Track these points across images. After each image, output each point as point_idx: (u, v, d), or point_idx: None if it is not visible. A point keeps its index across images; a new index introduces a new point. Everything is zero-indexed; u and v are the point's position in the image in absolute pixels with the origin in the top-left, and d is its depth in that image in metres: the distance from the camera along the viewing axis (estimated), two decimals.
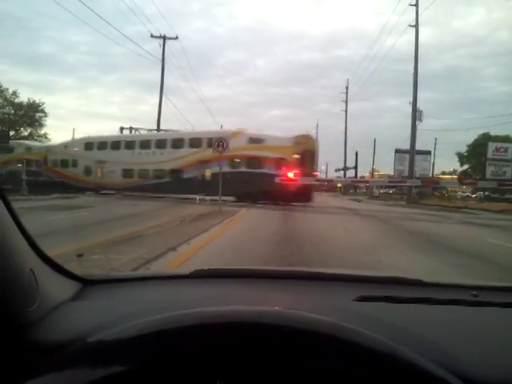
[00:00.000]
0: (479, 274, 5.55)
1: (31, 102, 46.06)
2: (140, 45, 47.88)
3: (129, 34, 49.88)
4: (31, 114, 46.20)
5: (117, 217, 12.17)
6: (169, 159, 24.70)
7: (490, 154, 40.36)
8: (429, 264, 6.22)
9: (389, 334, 0.74)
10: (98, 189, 25.69)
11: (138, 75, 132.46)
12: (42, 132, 47.70)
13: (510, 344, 0.93)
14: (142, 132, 31.66)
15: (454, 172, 60.18)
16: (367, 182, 45.02)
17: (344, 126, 56.08)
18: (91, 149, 27.92)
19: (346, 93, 55.46)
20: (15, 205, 0.89)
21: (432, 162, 48.79)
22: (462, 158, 58.97)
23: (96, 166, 26.99)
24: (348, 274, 1.54)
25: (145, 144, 26.50)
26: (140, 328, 0.68)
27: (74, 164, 28.19)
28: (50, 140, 43.52)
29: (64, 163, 28.63)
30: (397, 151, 44.15)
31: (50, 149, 31.01)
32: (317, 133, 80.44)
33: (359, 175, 59.32)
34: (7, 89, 44.95)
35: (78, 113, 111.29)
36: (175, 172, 24.40)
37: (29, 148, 32.26)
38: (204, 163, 23.05)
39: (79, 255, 5.20)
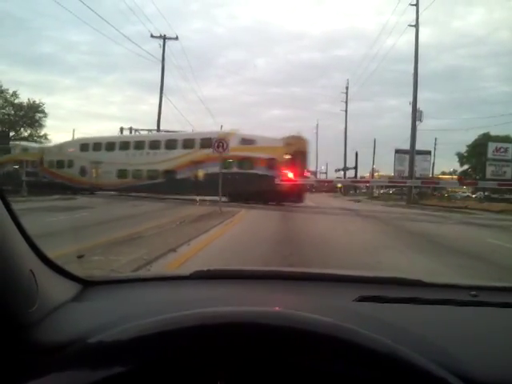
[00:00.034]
0: (479, 275, 5.55)
1: (31, 102, 46.06)
2: (140, 45, 48.00)
3: (129, 34, 49.97)
4: (31, 115, 46.15)
5: (117, 218, 12.17)
6: (162, 160, 24.98)
7: (490, 154, 40.34)
8: (429, 264, 6.21)
9: (389, 334, 0.74)
10: (93, 189, 25.91)
11: (138, 75, 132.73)
12: (42, 133, 47.70)
13: (510, 344, 0.93)
14: (142, 132, 31.79)
15: (454, 172, 60.15)
16: (367, 182, 45.07)
17: (344, 126, 56.17)
18: (86, 150, 28.14)
19: (346, 93, 55.54)
20: (15, 206, 0.89)
21: (432, 162, 48.84)
22: (461, 158, 58.96)
23: (91, 166, 27.22)
24: (348, 275, 1.54)
25: (138, 145, 26.76)
26: (140, 329, 0.68)
27: (70, 165, 28.41)
28: (50, 141, 43.59)
29: (60, 164, 28.86)
30: (397, 151, 44.14)
31: (46, 150, 31.28)
32: (317, 133, 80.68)
33: (359, 175, 59.35)
34: (7, 89, 45.00)
35: (78, 113, 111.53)
36: (169, 172, 24.66)
37: (25, 149, 32.47)
38: (197, 164, 23.44)
39: (79, 256, 5.19)
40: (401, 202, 32.21)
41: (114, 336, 0.68)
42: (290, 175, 21.81)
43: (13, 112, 45.67)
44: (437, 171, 58.17)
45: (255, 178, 21.30)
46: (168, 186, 23.73)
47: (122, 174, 26.23)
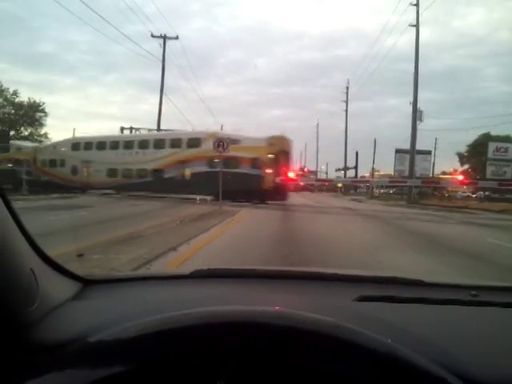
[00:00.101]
0: (480, 275, 5.55)
1: (31, 101, 46.09)
2: (140, 44, 48.08)
3: (129, 34, 50.07)
4: (31, 114, 46.16)
5: (117, 217, 12.17)
6: (151, 159, 25.47)
7: (490, 154, 40.34)
8: (429, 264, 6.21)
9: (389, 334, 0.74)
10: (84, 188, 26.24)
11: (139, 75, 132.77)
12: (43, 132, 47.72)
13: (510, 344, 0.93)
14: (143, 132, 31.88)
15: (455, 172, 60.08)
16: (367, 181, 45.03)
17: (344, 125, 56.15)
18: (78, 149, 28.69)
19: (347, 92, 55.51)
20: (15, 204, 0.89)
21: (432, 161, 48.84)
22: (462, 158, 58.95)
23: (82, 165, 27.73)
24: (348, 274, 1.54)
25: (128, 144, 27.26)
26: (140, 328, 0.68)
27: (62, 164, 28.94)
28: (50, 140, 43.60)
29: (52, 163, 29.37)
30: (397, 151, 44.13)
31: (39, 149, 31.96)
32: (317, 132, 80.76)
33: (359, 175, 59.33)
34: (8, 88, 44.99)
35: (78, 112, 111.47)
36: (157, 171, 25.13)
37: (19, 148, 33.07)
38: (184, 163, 24.01)
39: (79, 255, 5.20)
40: (401, 201, 32.20)
41: (114, 335, 0.68)
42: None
43: (13, 111, 45.69)
44: (437, 171, 58.19)
45: (240, 177, 21.61)
46: (156, 184, 24.28)
47: (112, 172, 26.78)
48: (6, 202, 0.85)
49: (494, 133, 49.01)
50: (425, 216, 17.56)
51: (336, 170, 66.18)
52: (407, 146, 33.13)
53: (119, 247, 6.38)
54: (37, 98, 47.91)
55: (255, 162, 22.22)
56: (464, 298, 1.20)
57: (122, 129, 33.80)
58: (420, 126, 30.53)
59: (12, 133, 44.96)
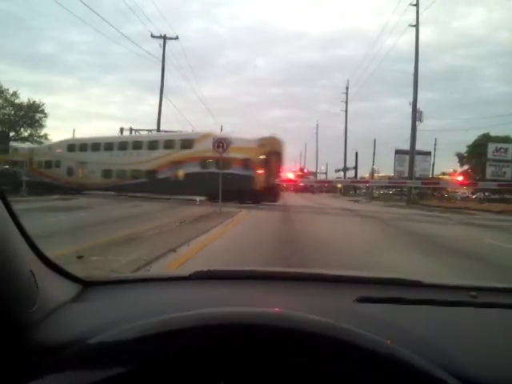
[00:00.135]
0: (479, 276, 5.55)
1: (31, 102, 46.00)
2: (140, 45, 47.85)
3: (129, 34, 50.08)
4: (31, 115, 46.06)
5: (116, 218, 12.17)
6: (145, 160, 25.71)
7: (490, 155, 40.36)
8: (429, 265, 6.21)
9: (388, 335, 0.75)
10: (79, 189, 26.39)
11: (139, 75, 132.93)
12: (43, 133, 47.64)
13: (510, 345, 0.93)
14: (142, 133, 31.96)
15: (455, 172, 60.12)
16: (367, 182, 45.06)
17: (344, 126, 56.19)
18: (73, 150, 28.94)
19: (346, 93, 55.59)
20: (15, 206, 0.89)
21: (432, 162, 48.88)
22: (461, 159, 58.97)
23: (77, 166, 27.98)
24: (348, 275, 1.54)
25: (122, 146, 27.51)
26: (140, 329, 0.68)
27: (57, 165, 29.17)
28: (50, 141, 43.62)
29: (48, 164, 29.61)
30: (397, 152, 44.16)
31: (35, 150, 32.30)
32: (317, 133, 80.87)
33: (359, 176, 59.35)
34: (7, 89, 44.94)
35: (78, 113, 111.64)
36: (150, 172, 25.35)
37: (15, 149, 33.62)
38: (177, 164, 24.30)
39: (79, 257, 5.20)
40: (401, 202, 32.23)
41: (113, 336, 0.68)
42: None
43: (13, 112, 45.59)
44: (437, 171, 58.23)
45: (231, 178, 21.47)
46: (150, 185, 24.55)
47: (106, 174, 27.01)
48: (6, 204, 0.85)
49: (493, 133, 49.07)
50: (424, 217, 17.57)
51: (336, 171, 66.26)
52: (407, 147, 33.16)
53: (119, 249, 6.37)
54: (37, 98, 47.96)
55: (246, 163, 22.37)
56: (463, 299, 1.20)
57: (122, 129, 33.86)
58: (420, 126, 30.61)
59: (12, 134, 44.90)
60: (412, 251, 7.65)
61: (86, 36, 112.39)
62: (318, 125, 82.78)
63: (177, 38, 32.92)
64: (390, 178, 44.27)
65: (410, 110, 29.63)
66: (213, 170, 22.67)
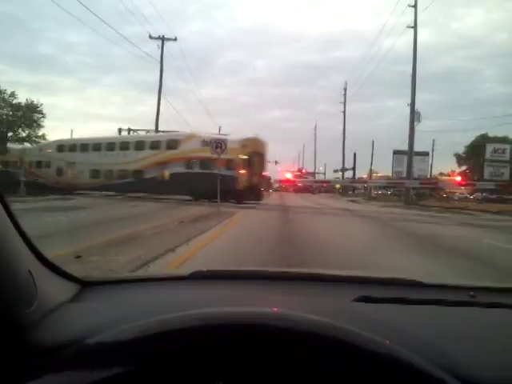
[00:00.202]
0: (478, 276, 5.56)
1: (29, 103, 45.89)
2: (139, 46, 48.01)
3: (128, 35, 49.91)
4: (29, 115, 45.92)
5: (115, 218, 12.15)
6: (131, 160, 26.15)
7: (488, 155, 40.49)
8: (427, 265, 6.22)
9: (388, 334, 0.75)
10: (69, 189, 26.55)
11: (137, 76, 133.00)
12: (41, 133, 47.52)
13: (508, 345, 0.93)
14: (140, 133, 32.00)
15: (453, 173, 60.25)
16: (365, 182, 45.13)
17: (342, 126, 56.24)
18: (62, 151, 29.47)
19: (345, 94, 55.68)
20: (13, 206, 0.89)
21: (430, 163, 48.98)
22: (460, 159, 59.13)
23: (66, 167, 28.48)
24: (347, 275, 1.54)
25: (110, 146, 27.93)
26: (139, 329, 0.68)
27: (47, 165, 29.71)
28: (48, 141, 43.59)
29: (38, 164, 30.10)
30: (395, 152, 44.31)
31: (26, 151, 32.97)
32: (315, 134, 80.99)
33: (357, 176, 59.43)
34: (5, 90, 44.82)
35: (76, 114, 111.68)
36: (137, 172, 25.77)
37: (8, 150, 34.30)
38: (163, 164, 24.77)
39: (77, 257, 5.18)
40: (399, 202, 32.27)
41: (112, 336, 0.68)
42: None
43: (11, 112, 45.46)
44: (435, 172, 58.38)
45: (215, 178, 21.93)
46: (137, 185, 24.97)
47: (94, 174, 27.47)
48: (4, 204, 0.85)
49: (491, 134, 49.21)
50: (423, 217, 17.59)
51: (334, 171, 66.35)
52: (405, 147, 33.21)
53: (117, 249, 6.36)
54: (35, 99, 47.85)
55: (229, 163, 22.53)
56: (463, 299, 1.20)
57: (120, 130, 33.83)
58: (418, 127, 30.62)
59: (10, 134, 44.77)
60: (411, 251, 7.66)
61: (84, 37, 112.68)
62: (316, 125, 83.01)
63: (175, 39, 32.95)
64: (388, 178, 44.35)
65: (408, 110, 29.71)
66: (197, 170, 23.72)
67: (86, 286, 1.21)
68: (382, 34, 74.05)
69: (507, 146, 41.19)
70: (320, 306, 1.01)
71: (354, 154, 58.80)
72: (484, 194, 46.03)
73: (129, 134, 32.93)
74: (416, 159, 36.04)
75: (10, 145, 38.26)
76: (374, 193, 51.06)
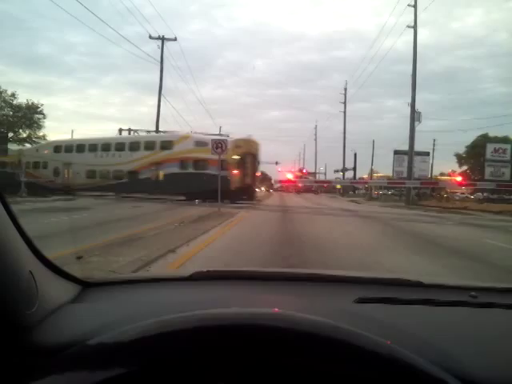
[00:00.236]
0: (478, 276, 5.55)
1: (30, 103, 45.95)
2: (139, 46, 48.05)
3: (128, 36, 50.03)
4: (30, 116, 45.98)
5: (116, 219, 12.16)
6: (126, 161, 26.46)
7: (488, 155, 40.43)
8: (428, 265, 6.22)
9: (388, 335, 0.75)
10: (65, 189, 26.69)
11: (137, 77, 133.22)
12: (41, 134, 47.56)
13: (509, 345, 0.93)
14: (141, 133, 32.04)
15: (453, 173, 60.20)
16: (366, 182, 45.09)
17: (343, 126, 56.22)
18: (59, 151, 29.80)
19: (345, 94, 55.63)
20: (14, 207, 0.89)
21: (431, 163, 48.92)
22: (460, 159, 59.08)
23: (63, 167, 28.86)
24: (348, 276, 1.54)
25: (105, 147, 28.19)
26: (140, 330, 0.68)
27: (44, 166, 30.10)
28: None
29: (35, 165, 30.44)
30: (395, 152, 44.23)
31: (24, 152, 33.38)
32: (316, 134, 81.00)
33: (358, 176, 59.45)
34: (6, 90, 44.88)
35: (76, 114, 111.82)
36: (132, 173, 26.11)
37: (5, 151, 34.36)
38: (157, 165, 25.16)
39: (78, 257, 5.19)
40: (399, 202, 32.25)
41: (113, 337, 0.68)
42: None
43: (11, 113, 45.54)
44: (435, 172, 58.33)
45: (208, 178, 22.44)
46: (132, 185, 25.25)
47: (90, 174, 27.77)
48: (5, 205, 0.85)
49: (492, 134, 49.17)
50: (423, 217, 17.58)
51: (335, 172, 66.35)
52: (406, 148, 33.20)
53: (118, 249, 6.36)
54: (35, 99, 47.81)
55: (222, 164, 22.82)
56: (463, 299, 1.20)
57: (121, 130, 33.86)
58: (418, 127, 30.61)
59: (10, 135, 44.82)
60: (411, 252, 7.65)
61: (84, 37, 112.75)
62: (316, 125, 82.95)
63: (175, 39, 32.93)
64: (388, 178, 44.32)
65: (408, 110, 29.69)
66: (190, 170, 24.07)
67: (87, 286, 1.21)
68: (382, 33, 74.03)
69: (508, 146, 41.12)
70: (321, 307, 1.01)
71: (355, 154, 58.86)
72: (485, 194, 46.00)
73: (129, 134, 32.98)
74: (417, 159, 36.00)
75: (9, 145, 38.37)
76: (374, 193, 51.06)
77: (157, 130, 32.12)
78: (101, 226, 10.27)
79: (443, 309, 1.14)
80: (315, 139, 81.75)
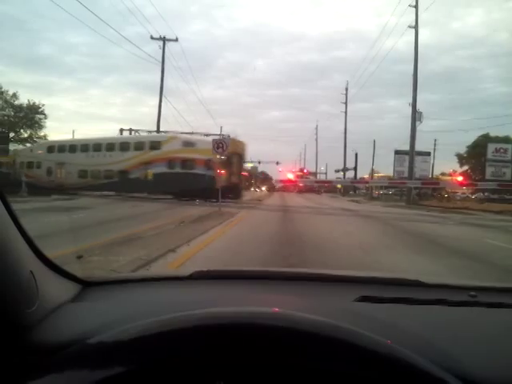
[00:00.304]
0: (478, 275, 5.55)
1: (31, 103, 46.01)
2: (140, 47, 48.01)
3: (129, 36, 50.06)
4: (31, 116, 46.04)
5: (116, 218, 12.16)
6: (117, 161, 26.91)
7: (489, 155, 40.38)
8: (428, 265, 6.21)
9: (389, 334, 0.75)
10: (58, 188, 26.85)
11: (138, 77, 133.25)
12: (42, 134, 47.62)
13: (509, 344, 0.93)
14: (142, 134, 32.13)
15: (454, 173, 60.11)
16: (367, 182, 45.06)
17: (344, 126, 56.18)
18: (52, 151, 30.30)
19: (346, 94, 55.58)
20: (14, 206, 0.89)
21: (431, 163, 48.89)
22: (461, 159, 59.01)
23: (56, 167, 29.35)
24: (348, 275, 1.54)
25: (96, 147, 28.65)
26: (140, 329, 0.68)
27: (38, 166, 30.53)
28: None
29: (29, 165, 30.88)
30: (396, 152, 44.19)
31: (18, 152, 34.25)
32: (316, 134, 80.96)
33: (359, 176, 59.40)
34: (7, 91, 44.94)
35: (78, 114, 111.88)
36: (122, 172, 26.53)
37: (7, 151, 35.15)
38: (146, 164, 25.66)
39: (79, 257, 5.20)
40: (400, 202, 32.22)
41: (113, 336, 0.68)
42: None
43: (12, 113, 45.61)
44: (436, 172, 58.26)
45: (194, 177, 23.13)
46: (122, 184, 25.70)
47: (82, 174, 28.27)
48: (6, 204, 0.85)
49: (493, 134, 49.11)
50: (424, 217, 17.56)
51: (335, 171, 66.31)
52: (407, 147, 33.17)
53: (119, 249, 6.37)
54: (36, 99, 47.90)
55: (208, 163, 23.23)
56: (463, 298, 1.20)
57: (122, 130, 33.91)
58: (419, 127, 30.57)
59: (12, 135, 44.87)
60: (411, 251, 7.65)
61: (85, 37, 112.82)
62: (317, 125, 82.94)
63: (176, 39, 32.92)
64: (389, 178, 44.29)
65: (409, 110, 29.67)
66: (178, 170, 24.48)
67: (87, 285, 1.21)
68: (383, 34, 73.98)
69: (509, 146, 41.08)
70: (321, 306, 1.01)
71: (356, 154, 58.79)
72: (486, 194, 45.93)
73: (130, 134, 33.06)
74: (417, 159, 35.97)
75: (11, 145, 38.66)
76: (375, 193, 51.02)
77: (158, 131, 32.13)
78: (101, 225, 10.28)
79: (443, 308, 1.14)
80: (316, 139, 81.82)
